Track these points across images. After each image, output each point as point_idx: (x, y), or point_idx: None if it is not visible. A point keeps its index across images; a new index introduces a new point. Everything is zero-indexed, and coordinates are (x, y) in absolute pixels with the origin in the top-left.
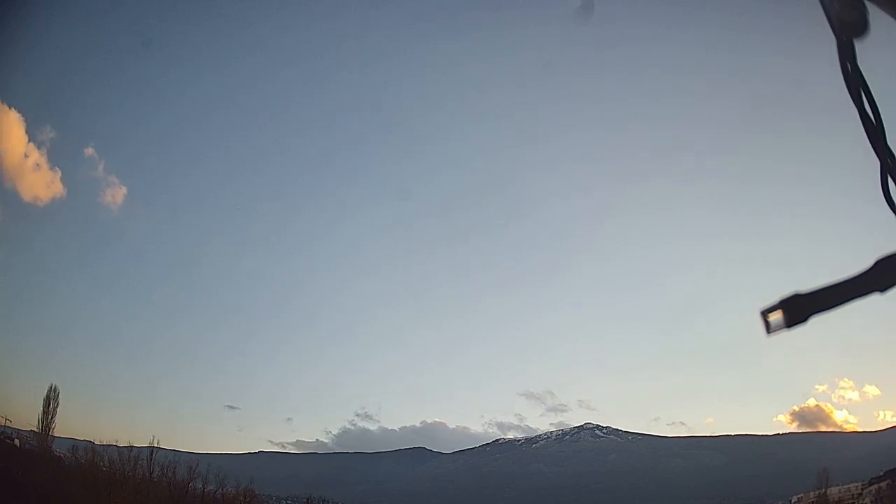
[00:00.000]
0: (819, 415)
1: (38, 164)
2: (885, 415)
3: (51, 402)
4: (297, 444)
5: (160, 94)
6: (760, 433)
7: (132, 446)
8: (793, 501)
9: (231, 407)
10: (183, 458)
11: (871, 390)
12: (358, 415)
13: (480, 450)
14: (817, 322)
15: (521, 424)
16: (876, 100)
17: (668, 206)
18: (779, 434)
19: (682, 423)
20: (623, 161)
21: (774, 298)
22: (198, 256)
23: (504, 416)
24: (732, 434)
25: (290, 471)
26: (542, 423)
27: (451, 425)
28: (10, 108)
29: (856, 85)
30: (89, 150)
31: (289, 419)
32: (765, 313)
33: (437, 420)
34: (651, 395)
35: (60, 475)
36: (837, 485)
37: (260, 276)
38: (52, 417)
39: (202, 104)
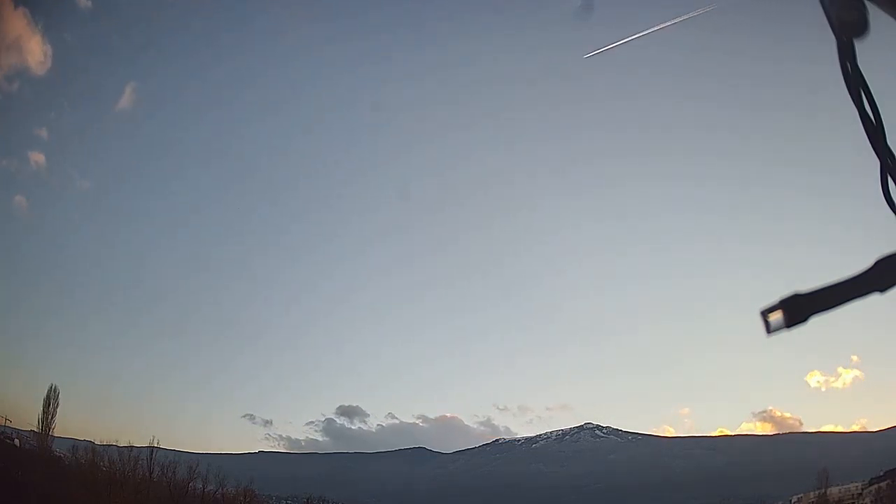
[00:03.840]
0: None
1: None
2: (885, 415)
3: (51, 402)
4: (297, 443)
5: (158, 94)
6: (760, 433)
7: (132, 446)
8: (793, 501)
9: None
10: (183, 458)
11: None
12: (355, 413)
13: (480, 450)
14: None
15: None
16: (876, 100)
17: (667, 207)
18: (779, 434)
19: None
20: (622, 163)
21: (774, 298)
22: (197, 258)
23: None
24: (732, 434)
25: (290, 471)
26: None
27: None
28: None
29: (856, 85)
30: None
31: (286, 418)
32: (765, 313)
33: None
34: (651, 396)
35: (60, 475)
36: (837, 485)
37: (259, 277)
38: (52, 417)
39: (199, 104)
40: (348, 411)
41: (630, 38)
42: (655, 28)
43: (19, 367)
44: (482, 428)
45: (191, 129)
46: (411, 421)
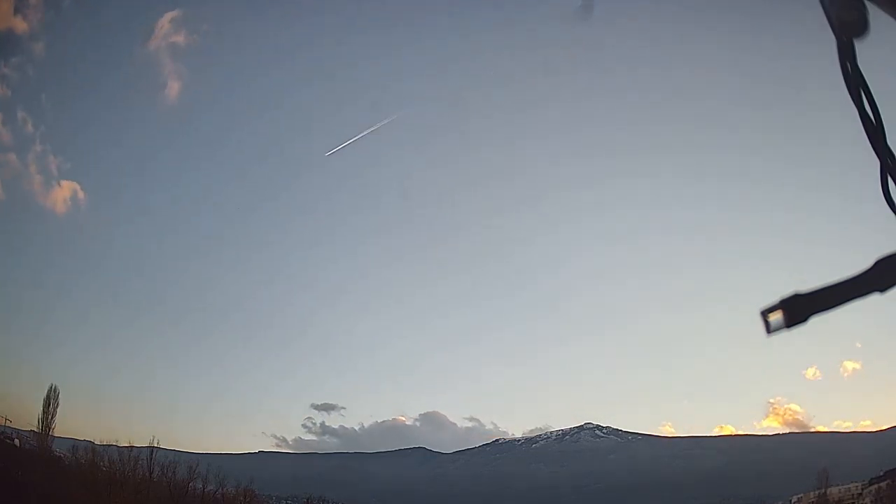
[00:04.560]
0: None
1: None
2: (885, 415)
3: (51, 402)
4: (297, 443)
5: (158, 92)
6: (760, 433)
7: (132, 446)
8: (793, 501)
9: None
10: (183, 458)
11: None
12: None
13: (480, 450)
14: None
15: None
16: (876, 100)
17: (667, 204)
18: (779, 434)
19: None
20: (622, 160)
21: (774, 298)
22: (196, 257)
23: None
24: (732, 434)
25: (290, 471)
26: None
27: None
28: None
29: (856, 85)
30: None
31: (284, 418)
32: (765, 313)
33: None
34: (651, 396)
35: (60, 475)
36: (837, 485)
37: (256, 276)
38: (52, 417)
39: (198, 102)
40: (326, 408)
41: (365, 133)
42: (380, 124)
43: (19, 367)
44: (468, 423)
45: (190, 125)
46: (393, 417)
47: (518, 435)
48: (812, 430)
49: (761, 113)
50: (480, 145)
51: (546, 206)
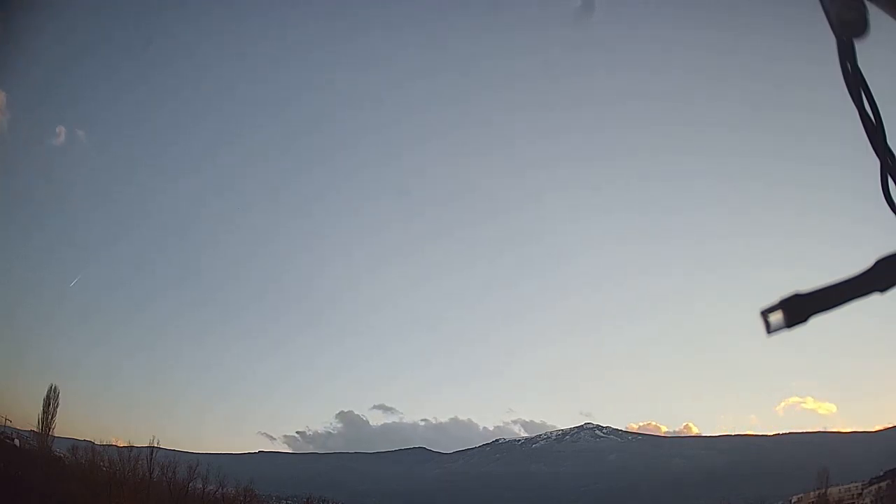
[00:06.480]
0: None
1: None
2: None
3: (51, 402)
4: (297, 443)
5: (159, 92)
6: (760, 433)
7: (132, 446)
8: (793, 501)
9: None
10: (183, 458)
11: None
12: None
13: (480, 450)
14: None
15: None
16: (876, 100)
17: (667, 206)
18: (779, 434)
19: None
20: (622, 161)
21: (774, 298)
22: (198, 257)
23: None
24: (732, 434)
25: (290, 471)
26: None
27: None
28: None
29: (856, 85)
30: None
31: (285, 418)
32: (765, 313)
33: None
34: (651, 395)
35: (60, 475)
36: (837, 485)
37: (258, 275)
38: (52, 417)
39: (201, 103)
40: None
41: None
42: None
43: (19, 367)
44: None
45: (192, 127)
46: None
47: (484, 426)
48: (813, 429)
49: (763, 114)
50: (474, 143)
51: (548, 204)
